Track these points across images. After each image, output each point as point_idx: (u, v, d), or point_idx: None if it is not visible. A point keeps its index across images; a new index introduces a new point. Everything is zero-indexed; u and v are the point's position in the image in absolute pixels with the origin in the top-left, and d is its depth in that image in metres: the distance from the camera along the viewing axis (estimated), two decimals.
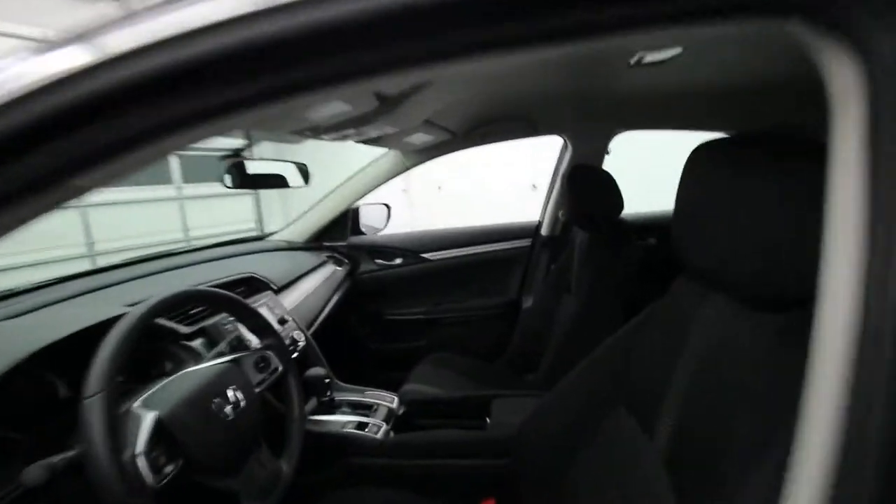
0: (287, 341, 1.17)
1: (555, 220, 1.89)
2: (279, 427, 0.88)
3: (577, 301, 1.38)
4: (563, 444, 0.75)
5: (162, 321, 0.92)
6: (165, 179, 5.53)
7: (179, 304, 0.71)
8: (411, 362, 1.58)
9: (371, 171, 1.73)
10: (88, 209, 4.68)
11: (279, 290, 1.35)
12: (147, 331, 0.87)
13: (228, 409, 0.70)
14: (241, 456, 0.71)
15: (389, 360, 1.95)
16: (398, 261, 1.96)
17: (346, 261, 1.88)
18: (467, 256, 1.97)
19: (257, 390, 0.80)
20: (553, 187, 1.89)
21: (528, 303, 1.86)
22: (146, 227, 5.05)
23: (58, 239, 4.30)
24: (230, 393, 0.72)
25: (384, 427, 1.11)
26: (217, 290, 0.81)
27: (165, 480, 0.58)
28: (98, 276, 1.09)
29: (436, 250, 1.97)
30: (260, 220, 6.54)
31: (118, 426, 0.60)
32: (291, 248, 1.76)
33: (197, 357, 0.91)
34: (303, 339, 1.24)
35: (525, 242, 1.97)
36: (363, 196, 1.79)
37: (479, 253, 1.97)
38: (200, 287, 0.79)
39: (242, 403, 0.73)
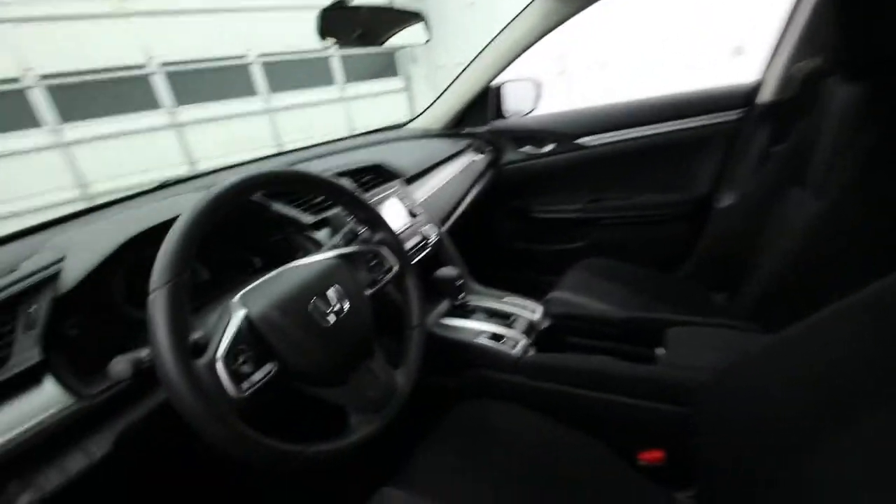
0: (417, 237, 1.06)
1: (786, 77, 1.27)
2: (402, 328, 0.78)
3: (822, 198, 0.91)
4: (799, 417, 0.46)
5: (284, 209, 0.86)
6: (329, 80, 5.89)
7: (259, 187, 0.60)
8: (563, 266, 1.33)
9: (515, 30, 1.36)
10: (277, 114, 5.36)
11: (411, 181, 1.21)
12: (267, 218, 0.83)
13: (330, 314, 0.60)
14: (346, 365, 0.62)
15: (536, 263, 1.74)
16: (549, 147, 1.63)
17: (489, 148, 1.64)
18: (638, 140, 1.51)
19: (368, 292, 0.69)
20: (789, 24, 1.24)
21: (727, 200, 1.37)
22: (315, 130, 5.59)
23: (253, 141, 5.08)
24: (332, 294, 0.61)
25: (523, 341, 0.94)
26: (310, 172, 0.68)
27: (254, 388, 0.51)
28: (243, 167, 1.10)
29: (597, 133, 1.57)
30: (412, 112, 6.68)
31: (210, 323, 0.54)
32: (427, 135, 1.59)
33: (320, 249, 0.84)
34: (435, 234, 1.11)
35: (727, 116, 1.41)
36: (507, 67, 1.46)
37: (654, 134, 1.49)
38: (286, 168, 0.66)
39: (347, 307, 0.62)
